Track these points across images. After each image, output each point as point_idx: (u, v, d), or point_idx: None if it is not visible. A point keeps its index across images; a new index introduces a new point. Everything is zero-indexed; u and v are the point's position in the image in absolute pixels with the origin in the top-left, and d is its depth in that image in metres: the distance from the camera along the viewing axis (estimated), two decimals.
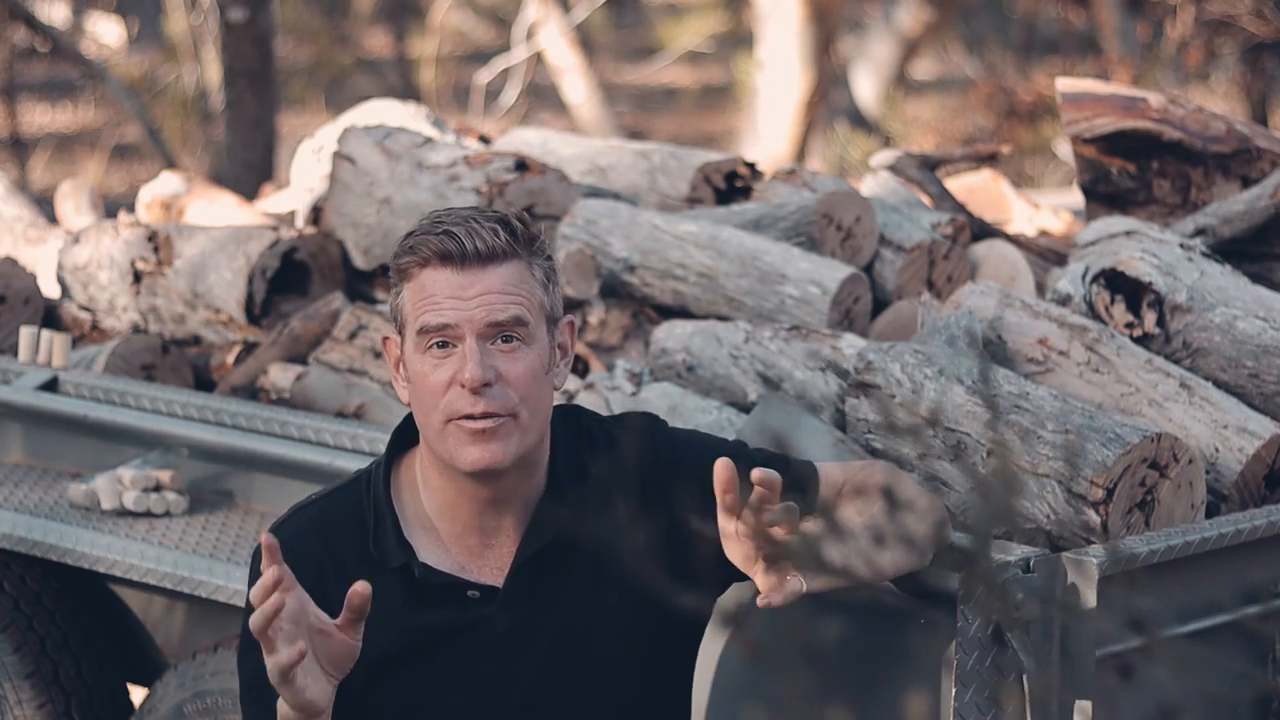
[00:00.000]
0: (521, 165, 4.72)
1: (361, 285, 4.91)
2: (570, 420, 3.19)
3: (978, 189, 5.54)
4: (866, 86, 14.77)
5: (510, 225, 3.05)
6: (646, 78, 18.68)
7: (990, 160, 5.54)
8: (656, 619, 3.16)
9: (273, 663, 2.90)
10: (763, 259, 4.34)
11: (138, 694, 4.50)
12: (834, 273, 4.29)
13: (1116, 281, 4.04)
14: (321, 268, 4.88)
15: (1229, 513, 3.64)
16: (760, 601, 2.97)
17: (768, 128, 12.47)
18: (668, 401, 4.01)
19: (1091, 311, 4.04)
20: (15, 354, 4.77)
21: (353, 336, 4.47)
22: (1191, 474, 3.56)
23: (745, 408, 4.05)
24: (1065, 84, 4.81)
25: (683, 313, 4.44)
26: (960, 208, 4.94)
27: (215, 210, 5.61)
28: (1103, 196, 4.73)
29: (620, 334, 4.42)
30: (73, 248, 5.06)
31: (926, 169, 5.05)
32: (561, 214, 4.66)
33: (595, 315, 4.41)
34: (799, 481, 3.18)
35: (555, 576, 3.13)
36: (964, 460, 3.62)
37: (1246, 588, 3.53)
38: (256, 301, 4.77)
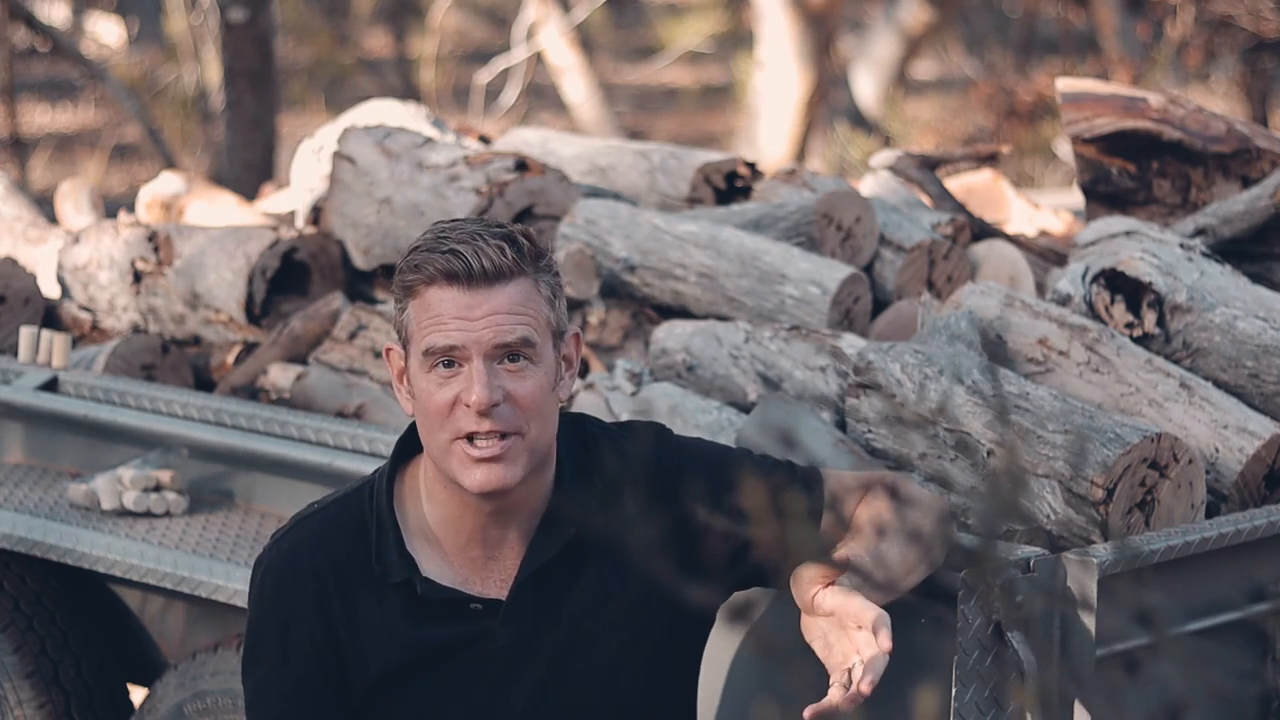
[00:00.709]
0: (521, 165, 4.72)
1: (361, 285, 4.91)
2: (575, 429, 3.17)
3: (978, 189, 5.54)
4: (866, 86, 14.77)
5: (516, 242, 3.02)
6: (646, 78, 18.68)
7: (990, 160, 5.54)
8: (660, 629, 3.15)
9: None
10: (763, 259, 4.34)
11: (138, 694, 4.50)
12: (834, 273, 4.28)
13: (1116, 281, 4.04)
14: (321, 268, 4.88)
15: (1229, 513, 3.64)
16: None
17: (768, 128, 12.47)
18: (668, 401, 4.01)
19: (1091, 311, 4.04)
20: (15, 354, 4.77)
21: (353, 336, 4.47)
22: (1191, 474, 3.56)
23: (745, 408, 4.04)
24: (1065, 84, 4.81)
25: (683, 313, 4.44)
26: (960, 208, 4.94)
27: (215, 210, 5.61)
28: (1103, 196, 4.73)
29: (620, 334, 4.42)
30: (73, 248, 5.06)
31: (926, 169, 5.05)
32: (561, 214, 4.66)
33: (595, 315, 4.41)
34: (805, 486, 3.18)
35: (559, 589, 3.12)
36: (966, 459, 3.62)
37: (1247, 587, 3.53)
38: (256, 301, 4.77)
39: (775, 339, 4.10)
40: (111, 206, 6.58)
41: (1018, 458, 3.31)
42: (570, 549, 3.11)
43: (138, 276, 4.93)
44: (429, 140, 4.95)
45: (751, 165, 4.97)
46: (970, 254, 4.60)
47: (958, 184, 5.50)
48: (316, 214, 5.15)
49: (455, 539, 3.09)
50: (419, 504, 3.11)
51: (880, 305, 4.41)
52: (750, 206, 4.67)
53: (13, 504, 4.28)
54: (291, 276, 4.84)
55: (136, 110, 11.52)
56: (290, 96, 16.33)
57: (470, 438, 3.00)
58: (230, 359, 4.72)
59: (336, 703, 3.09)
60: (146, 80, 16.16)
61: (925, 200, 4.96)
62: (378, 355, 4.41)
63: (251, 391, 4.49)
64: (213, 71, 13.54)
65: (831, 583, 3.02)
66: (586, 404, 4.04)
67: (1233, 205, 4.45)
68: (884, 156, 5.13)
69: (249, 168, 9.15)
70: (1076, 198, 5.10)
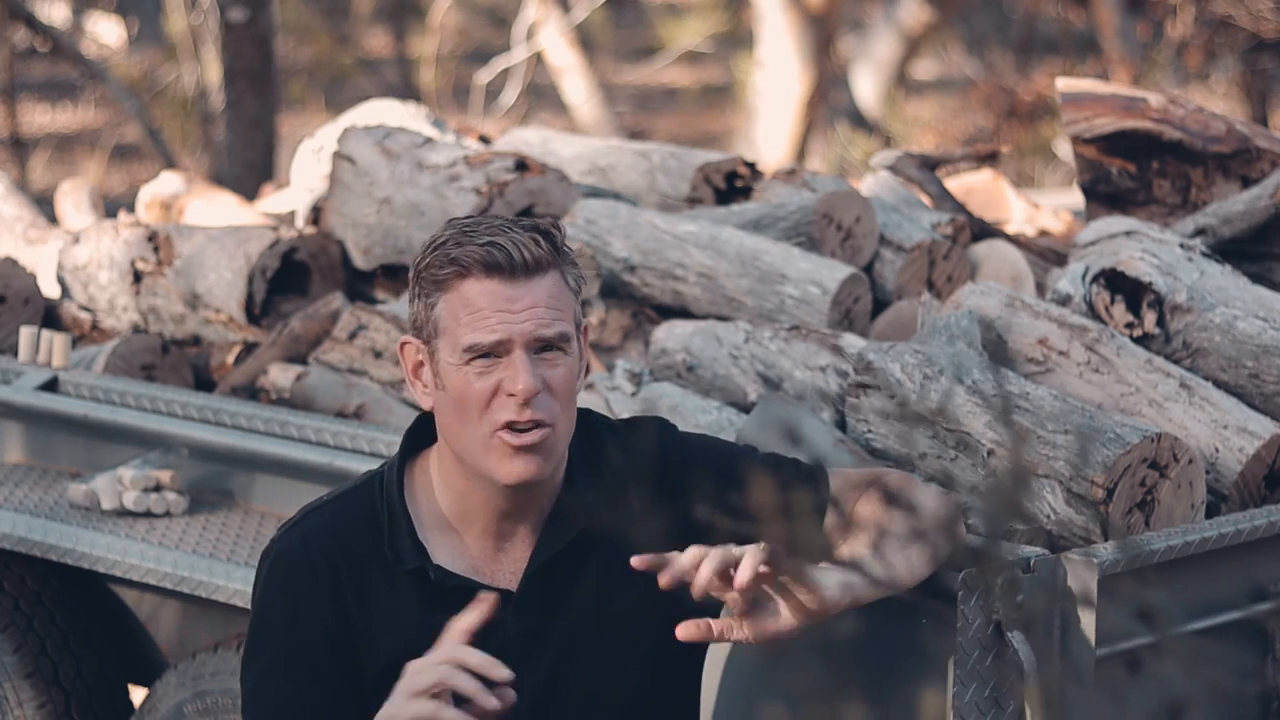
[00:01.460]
0: (521, 165, 4.72)
1: (361, 285, 4.91)
2: (581, 424, 3.18)
3: (978, 189, 5.54)
4: (867, 86, 14.78)
5: (550, 234, 3.03)
6: (646, 78, 18.68)
7: (990, 160, 5.54)
8: (666, 621, 3.16)
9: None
10: (763, 259, 4.34)
11: (138, 694, 4.50)
12: (834, 273, 4.28)
13: (1116, 281, 4.04)
14: (321, 268, 4.88)
15: (1229, 513, 3.64)
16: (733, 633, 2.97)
17: (768, 128, 12.47)
18: (668, 401, 4.01)
19: (1091, 311, 4.04)
20: (15, 354, 4.77)
21: (353, 336, 4.47)
22: (1191, 474, 3.56)
23: (745, 408, 4.04)
24: (1065, 84, 4.81)
25: (683, 313, 4.44)
26: (960, 208, 4.94)
27: (215, 210, 5.61)
28: (1103, 196, 4.73)
29: (620, 334, 4.42)
30: (73, 248, 5.06)
31: (926, 169, 5.05)
32: (561, 214, 4.66)
33: (595, 315, 4.41)
34: (809, 483, 3.18)
35: (569, 580, 3.13)
36: (967, 459, 3.62)
37: (1247, 587, 3.53)
38: (256, 301, 4.77)
39: (775, 339, 4.10)
40: (111, 206, 6.58)
41: (1023, 456, 3.31)
42: (579, 541, 3.12)
43: (138, 276, 4.93)
44: (429, 140, 4.95)
45: (751, 165, 4.97)
46: (970, 254, 4.60)
47: (958, 184, 5.50)
48: (316, 214, 5.15)
49: (469, 530, 3.10)
50: (430, 495, 3.12)
51: (880, 305, 4.41)
52: (750, 206, 4.67)
53: (13, 504, 4.28)
54: (291, 276, 4.85)
55: (136, 110, 11.52)
56: (290, 96, 16.33)
57: (509, 427, 3.00)
58: (230, 359, 4.72)
59: (346, 690, 3.08)
60: (146, 80, 16.16)
61: (925, 200, 4.96)
62: (378, 355, 4.41)
63: (251, 391, 4.49)
64: (213, 71, 13.53)
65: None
66: (586, 404, 4.04)
67: (1233, 205, 4.45)
68: (884, 156, 5.13)
69: (249, 168, 9.15)
70: (1076, 198, 5.10)
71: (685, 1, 20.51)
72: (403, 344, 3.11)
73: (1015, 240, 4.82)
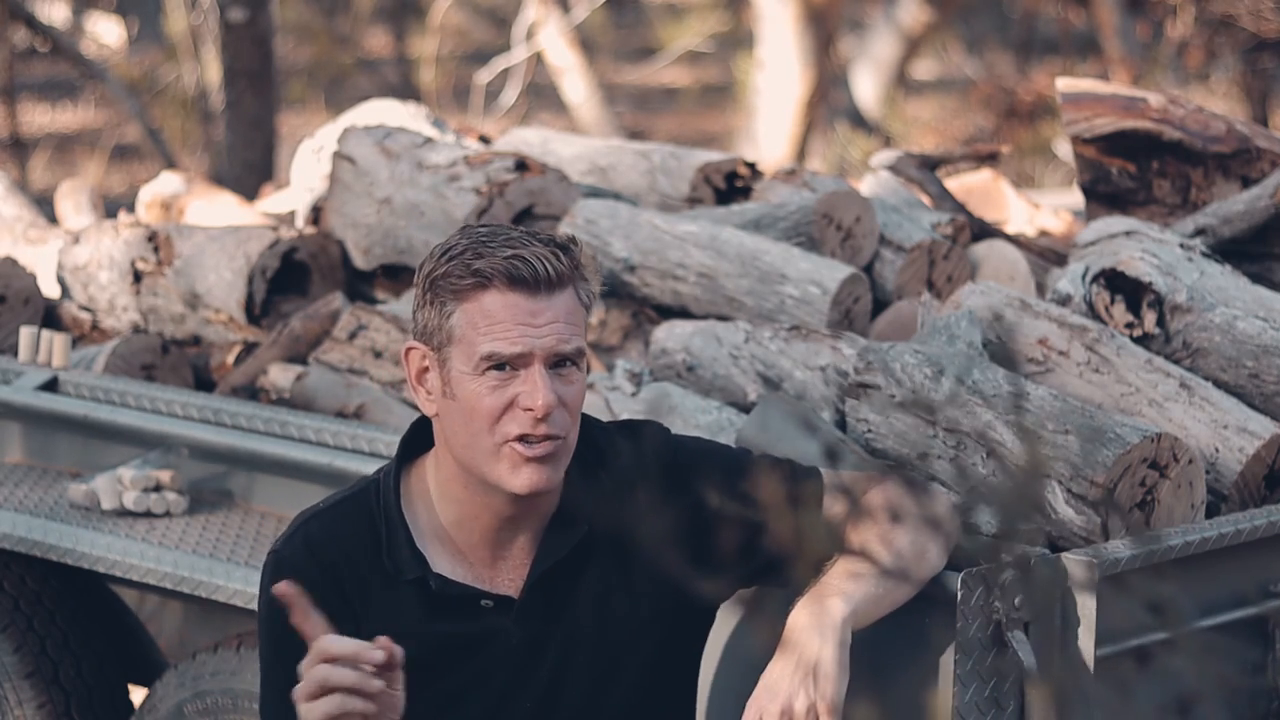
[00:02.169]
0: (521, 165, 4.72)
1: (361, 285, 4.91)
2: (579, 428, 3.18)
3: (978, 189, 5.54)
4: (866, 86, 14.77)
5: (568, 250, 3.03)
6: (646, 78, 18.68)
7: (990, 160, 5.54)
8: (665, 626, 3.17)
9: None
10: (763, 259, 4.34)
11: (138, 694, 4.50)
12: (834, 273, 4.28)
13: (1116, 281, 4.04)
14: (321, 268, 4.88)
15: (1229, 513, 3.64)
16: None
17: (768, 128, 12.47)
18: (668, 402, 4.01)
19: (1091, 311, 4.04)
20: (15, 354, 4.77)
21: (353, 336, 4.47)
22: (1191, 474, 3.56)
23: (745, 408, 4.04)
24: (1065, 84, 4.81)
25: (683, 313, 4.44)
26: (960, 208, 4.94)
27: (215, 210, 5.60)
28: (1103, 196, 4.73)
29: (620, 334, 4.41)
30: (73, 248, 5.06)
31: (926, 169, 5.05)
32: (561, 214, 4.66)
33: (595, 315, 4.41)
34: (802, 484, 3.18)
35: (569, 587, 3.13)
36: (966, 458, 3.62)
37: (1247, 587, 3.53)
38: (256, 301, 4.77)
39: (775, 339, 4.10)
40: (111, 206, 6.58)
41: (1038, 452, 3.31)
42: (580, 547, 3.12)
43: (138, 276, 4.93)
44: (429, 140, 4.95)
45: (751, 165, 4.97)
46: (970, 254, 4.60)
47: (958, 184, 5.50)
48: (316, 214, 5.15)
49: (468, 538, 3.10)
50: (428, 502, 3.11)
51: (880, 305, 4.41)
52: (750, 206, 4.67)
53: (13, 504, 4.28)
54: (291, 276, 4.84)
55: (136, 110, 11.52)
56: (290, 96, 16.33)
57: (521, 439, 3.00)
58: (230, 359, 4.72)
59: None
60: (146, 80, 16.16)
61: (925, 200, 4.96)
62: (378, 355, 4.41)
63: (251, 391, 4.49)
64: (213, 71, 13.53)
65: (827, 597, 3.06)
66: (587, 403, 4.04)
67: (1233, 205, 4.45)
68: (884, 156, 5.13)
69: (249, 168, 9.15)
70: (1076, 198, 5.10)
71: (685, 1, 20.50)
72: (408, 349, 3.09)
73: (1015, 240, 4.82)
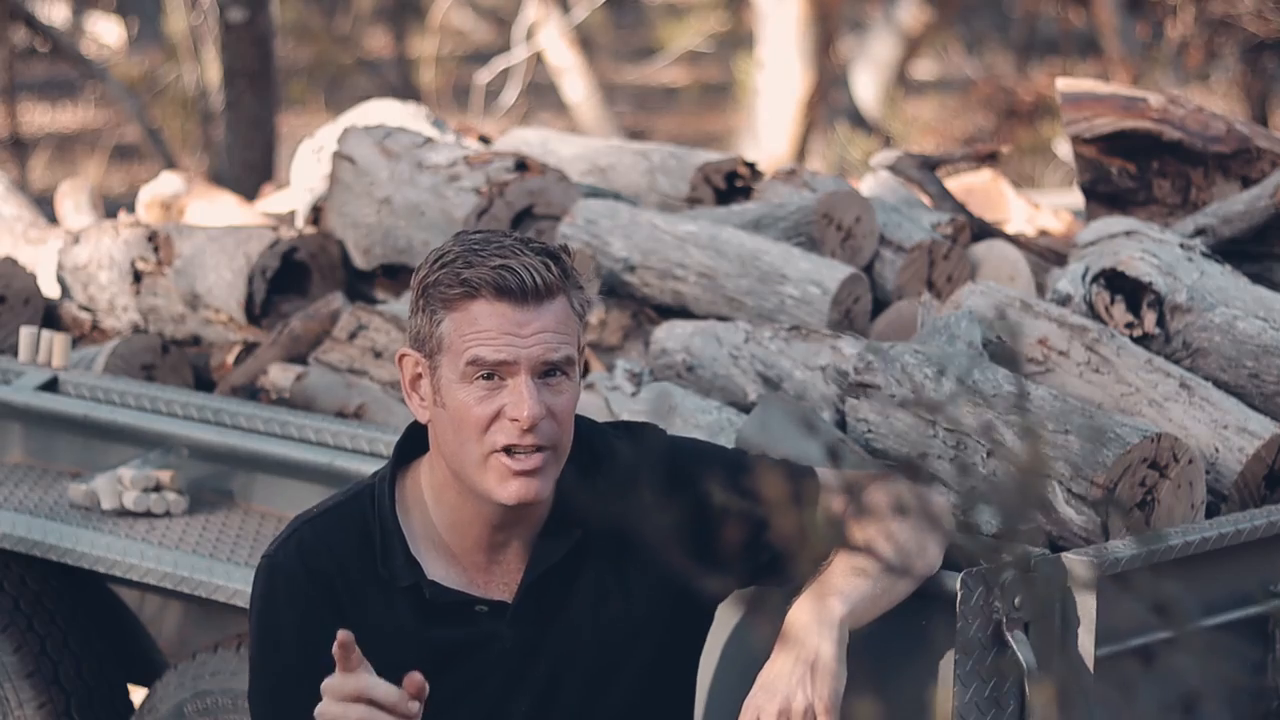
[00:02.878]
0: (521, 165, 4.72)
1: (361, 285, 4.91)
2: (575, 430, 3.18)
3: (978, 189, 5.54)
4: (866, 86, 14.77)
5: (559, 259, 3.03)
6: (646, 78, 18.68)
7: (990, 160, 5.54)
8: (662, 628, 3.17)
9: None
10: (763, 259, 4.34)
11: (138, 694, 4.50)
12: (834, 273, 4.28)
13: (1116, 281, 4.04)
14: (321, 268, 4.87)
15: (1229, 513, 3.64)
16: None
17: (768, 128, 12.47)
18: (668, 401, 4.01)
19: (1091, 311, 4.03)
20: (15, 354, 4.77)
21: (353, 336, 4.47)
22: (1191, 474, 3.56)
23: (745, 408, 4.04)
24: (1065, 84, 4.81)
25: (683, 313, 4.44)
26: (960, 208, 4.94)
27: (215, 210, 5.60)
28: (1103, 196, 4.73)
29: (620, 334, 4.41)
30: (73, 248, 5.06)
31: (926, 169, 5.04)
32: (561, 214, 4.66)
33: (595, 315, 4.41)
34: (798, 484, 3.18)
35: (563, 590, 3.13)
36: (965, 458, 3.62)
37: (1247, 587, 3.53)
38: (256, 301, 4.77)
39: (775, 339, 4.10)
40: (111, 206, 6.57)
41: (1039, 450, 3.31)
42: (574, 551, 3.12)
43: (138, 276, 4.93)
44: (429, 140, 4.95)
45: (751, 165, 4.97)
46: (970, 254, 4.60)
47: (958, 184, 5.50)
48: (316, 214, 5.15)
49: (461, 543, 3.10)
50: (423, 508, 3.11)
51: (880, 305, 4.41)
52: (750, 206, 4.67)
53: (13, 504, 4.28)
54: (291, 276, 4.84)
55: (136, 110, 11.51)
56: (290, 96, 16.33)
57: (508, 450, 3.00)
58: (230, 359, 4.72)
59: None
60: (146, 80, 16.16)
61: (925, 200, 4.96)
62: (378, 355, 4.41)
63: (251, 391, 4.49)
64: (213, 71, 13.53)
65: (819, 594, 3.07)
66: (587, 404, 4.04)
67: (1233, 205, 4.45)
68: (884, 156, 5.13)
69: (249, 168, 9.15)
70: (1076, 198, 5.10)
71: (685, 1, 20.50)
72: (401, 355, 3.09)
73: (1015, 240, 4.82)
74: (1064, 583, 3.28)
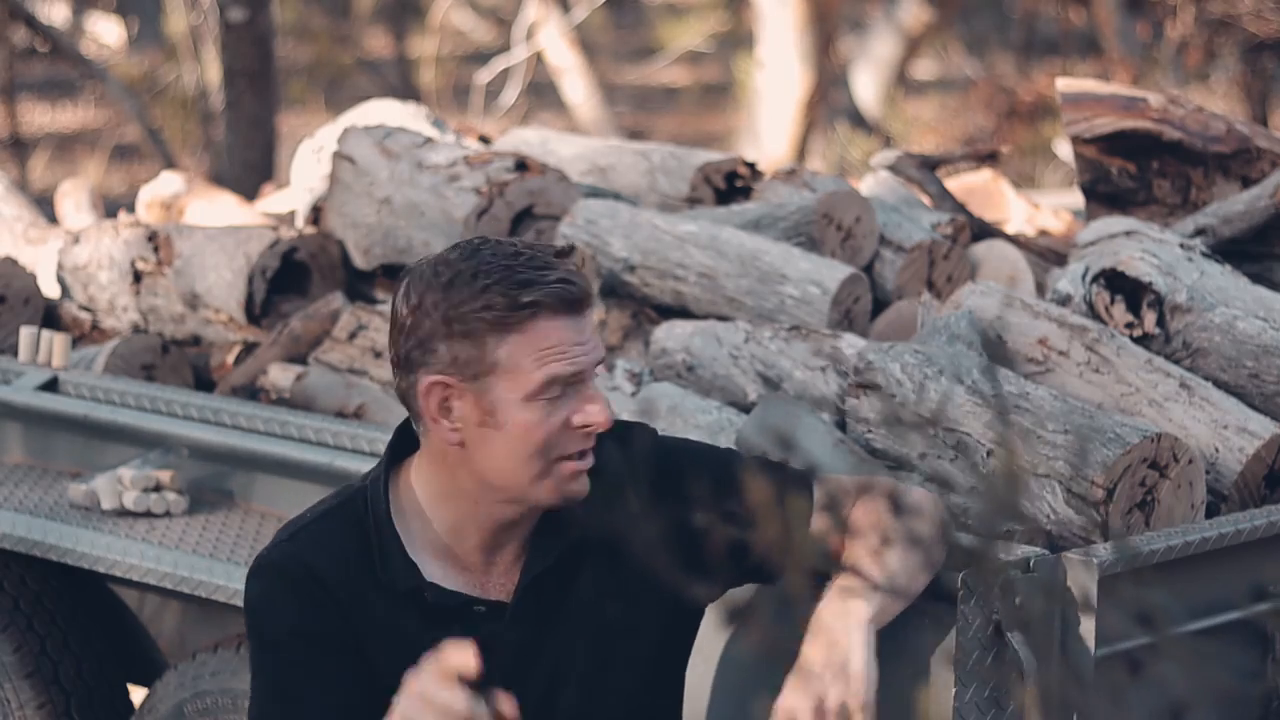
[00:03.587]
0: (521, 165, 4.72)
1: (361, 285, 4.91)
2: None
3: (978, 189, 5.54)
4: (867, 86, 14.77)
5: (571, 260, 3.08)
6: (646, 78, 18.68)
7: (990, 160, 5.54)
8: (657, 625, 3.18)
9: None
10: (763, 259, 4.34)
11: (138, 694, 4.50)
12: (834, 273, 4.28)
13: (1116, 281, 4.04)
14: (321, 268, 4.88)
15: (1229, 513, 3.64)
16: None
17: (768, 128, 12.47)
18: (668, 401, 4.01)
19: (1091, 311, 4.03)
20: (15, 354, 4.77)
21: (353, 336, 4.47)
22: (1191, 474, 3.56)
23: (745, 408, 4.04)
24: (1065, 84, 4.81)
25: (683, 313, 4.44)
26: (960, 208, 4.94)
27: (215, 210, 5.61)
28: (1103, 196, 4.73)
29: (620, 334, 4.41)
30: (73, 248, 5.06)
31: (926, 169, 5.05)
32: (561, 214, 4.66)
33: (595, 315, 4.41)
34: (797, 488, 3.18)
35: (561, 589, 3.13)
36: (966, 460, 3.62)
37: (1247, 587, 3.53)
38: (256, 301, 4.77)
39: (775, 339, 4.10)
40: (111, 206, 6.58)
41: (1017, 458, 3.32)
42: (570, 550, 3.12)
43: (138, 276, 4.93)
44: (429, 140, 4.95)
45: (751, 165, 4.97)
46: (970, 254, 4.60)
47: (958, 184, 5.50)
48: (316, 214, 5.15)
49: (459, 545, 3.09)
50: (418, 510, 3.10)
51: (880, 305, 4.41)
52: (750, 206, 4.67)
53: (13, 504, 4.28)
54: (291, 276, 4.84)
55: (136, 110, 11.51)
56: (290, 96, 16.33)
57: (579, 455, 3.03)
58: (230, 359, 4.72)
59: (363, 696, 3.06)
60: (146, 80, 16.16)
61: (925, 200, 4.96)
62: (378, 355, 4.41)
63: (251, 391, 4.49)
64: (213, 71, 13.53)
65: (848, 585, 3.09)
66: None
67: (1233, 205, 4.45)
68: (884, 156, 5.13)
69: (249, 168, 9.15)
70: (1076, 198, 5.10)
71: (685, 1, 20.50)
72: (432, 383, 3.01)
73: (1015, 240, 4.82)
74: (1064, 583, 3.28)
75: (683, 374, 4.18)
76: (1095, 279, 4.05)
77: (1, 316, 4.92)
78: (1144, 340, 3.98)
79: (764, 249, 4.36)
